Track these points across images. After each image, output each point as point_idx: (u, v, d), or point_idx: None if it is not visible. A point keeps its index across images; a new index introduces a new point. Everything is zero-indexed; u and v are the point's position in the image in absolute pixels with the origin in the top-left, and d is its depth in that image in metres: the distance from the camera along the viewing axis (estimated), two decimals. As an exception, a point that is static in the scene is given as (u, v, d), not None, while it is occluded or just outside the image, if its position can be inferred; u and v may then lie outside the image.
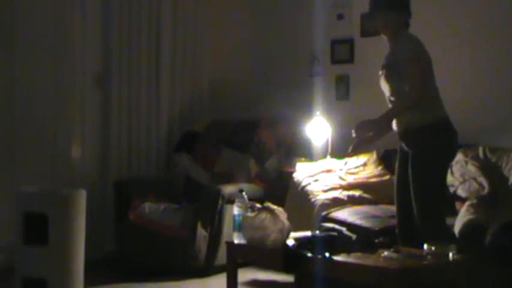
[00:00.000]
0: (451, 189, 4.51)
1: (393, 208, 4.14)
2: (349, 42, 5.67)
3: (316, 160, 5.36)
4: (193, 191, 5.58)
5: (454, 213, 4.28)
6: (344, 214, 4.54)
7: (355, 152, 4.14)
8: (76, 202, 4.08)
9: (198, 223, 4.98)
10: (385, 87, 3.96)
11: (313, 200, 4.85)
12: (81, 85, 5.59)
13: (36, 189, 4.25)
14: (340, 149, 5.35)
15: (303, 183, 5.02)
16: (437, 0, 5.24)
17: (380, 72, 4.00)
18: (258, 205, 4.13)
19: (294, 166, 5.32)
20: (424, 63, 3.85)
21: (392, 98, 3.92)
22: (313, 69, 5.94)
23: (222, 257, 4.60)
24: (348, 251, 3.59)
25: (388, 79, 3.90)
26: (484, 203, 4.26)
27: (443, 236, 3.67)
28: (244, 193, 4.21)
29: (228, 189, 5.05)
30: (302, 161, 5.35)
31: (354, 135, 3.88)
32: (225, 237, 4.84)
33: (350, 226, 4.21)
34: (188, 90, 6.22)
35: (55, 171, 5.39)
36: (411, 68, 3.78)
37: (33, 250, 4.01)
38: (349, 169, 5.12)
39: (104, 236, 5.47)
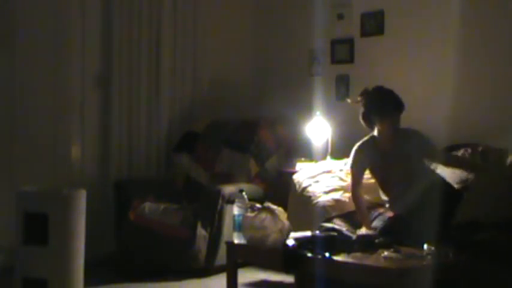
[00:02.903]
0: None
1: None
2: (349, 42, 5.67)
3: (316, 160, 5.36)
4: (193, 191, 5.57)
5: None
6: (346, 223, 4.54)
7: None
8: (76, 202, 4.08)
9: (198, 223, 4.98)
10: (400, 169, 4.47)
11: (314, 201, 4.83)
12: (81, 85, 5.59)
13: (36, 189, 4.25)
14: (340, 149, 5.35)
15: (304, 185, 5.01)
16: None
17: (389, 161, 4.50)
18: (258, 205, 4.14)
19: (294, 166, 5.32)
20: None
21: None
22: (313, 69, 5.94)
23: (222, 257, 4.60)
24: (348, 251, 3.60)
25: (414, 163, 4.47)
26: None
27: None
28: (244, 193, 4.21)
29: (228, 189, 5.04)
30: (302, 161, 5.35)
31: None
32: (225, 237, 4.84)
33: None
34: (188, 90, 6.21)
35: (55, 171, 5.38)
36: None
37: (33, 250, 4.01)
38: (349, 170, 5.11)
39: (104, 236, 5.46)
